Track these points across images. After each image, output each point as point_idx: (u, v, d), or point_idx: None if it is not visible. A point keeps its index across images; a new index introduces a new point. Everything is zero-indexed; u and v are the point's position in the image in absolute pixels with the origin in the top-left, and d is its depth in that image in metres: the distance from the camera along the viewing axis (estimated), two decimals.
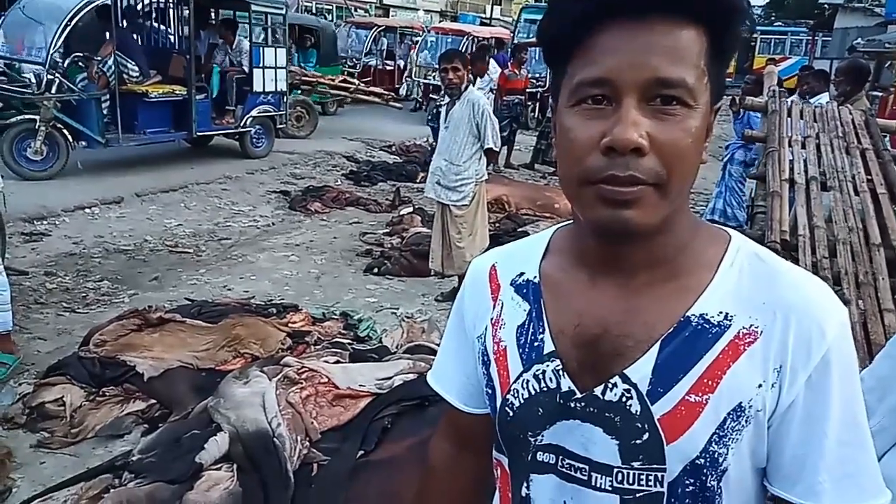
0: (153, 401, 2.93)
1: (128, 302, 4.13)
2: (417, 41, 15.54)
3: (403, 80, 15.48)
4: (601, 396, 0.71)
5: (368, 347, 3.54)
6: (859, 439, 0.68)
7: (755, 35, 23.31)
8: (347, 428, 2.67)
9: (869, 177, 3.41)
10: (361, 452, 2.53)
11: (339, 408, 2.76)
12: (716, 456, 0.67)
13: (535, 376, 0.75)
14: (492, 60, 10.23)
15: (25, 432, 2.76)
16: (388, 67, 16.17)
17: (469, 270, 0.90)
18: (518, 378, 0.77)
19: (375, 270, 5.04)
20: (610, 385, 0.71)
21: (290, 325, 3.65)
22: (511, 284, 0.82)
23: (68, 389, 2.93)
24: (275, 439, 2.46)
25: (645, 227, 0.66)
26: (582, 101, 0.67)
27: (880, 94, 10.84)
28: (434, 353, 3.34)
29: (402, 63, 16.12)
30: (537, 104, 13.06)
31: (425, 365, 3.09)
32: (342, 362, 3.17)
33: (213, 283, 4.59)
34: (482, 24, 24.50)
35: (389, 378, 2.95)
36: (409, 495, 2.22)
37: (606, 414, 0.71)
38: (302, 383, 2.82)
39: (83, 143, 6.80)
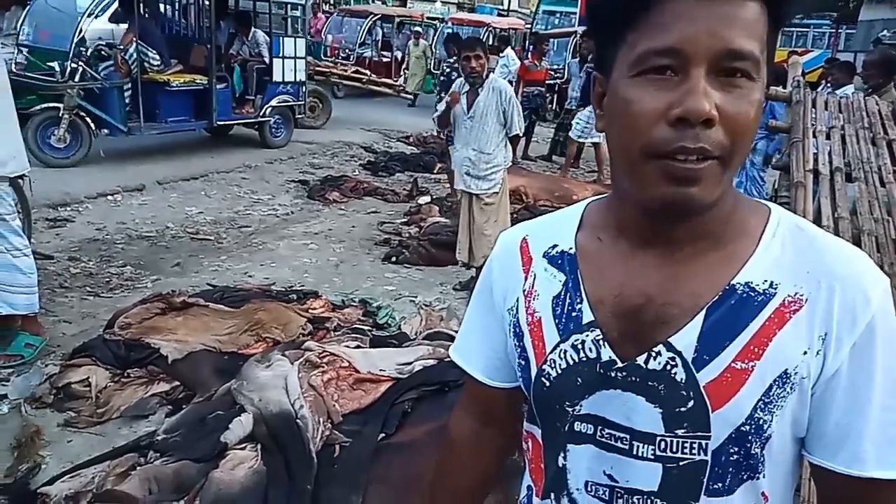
0: (177, 383, 2.96)
1: (150, 287, 4.18)
2: (417, 31, 14.43)
3: (402, 73, 14.19)
4: (644, 365, 0.71)
5: (388, 334, 3.57)
6: None
7: None
8: (368, 411, 2.69)
9: (895, 168, 3.36)
10: (382, 435, 2.55)
11: (360, 391, 2.78)
12: (760, 423, 0.68)
13: (574, 346, 0.75)
14: (511, 51, 10.18)
15: (53, 411, 2.81)
16: (385, 59, 14.78)
17: (498, 244, 0.89)
18: (555, 348, 0.76)
19: (394, 259, 5.06)
20: (653, 354, 0.71)
21: (310, 310, 3.68)
22: (544, 256, 0.81)
23: (94, 371, 2.98)
24: (297, 421, 2.49)
25: (705, 205, 0.66)
26: (646, 71, 0.65)
27: None
28: (453, 339, 3.35)
29: (399, 54, 14.65)
30: (555, 96, 13.00)
31: (444, 351, 3.10)
32: (362, 347, 3.20)
33: (234, 270, 4.63)
34: (500, 14, 24.39)
35: (409, 363, 2.97)
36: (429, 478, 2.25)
37: (650, 383, 0.71)
38: (323, 367, 2.85)
39: (105, 131, 6.87)
